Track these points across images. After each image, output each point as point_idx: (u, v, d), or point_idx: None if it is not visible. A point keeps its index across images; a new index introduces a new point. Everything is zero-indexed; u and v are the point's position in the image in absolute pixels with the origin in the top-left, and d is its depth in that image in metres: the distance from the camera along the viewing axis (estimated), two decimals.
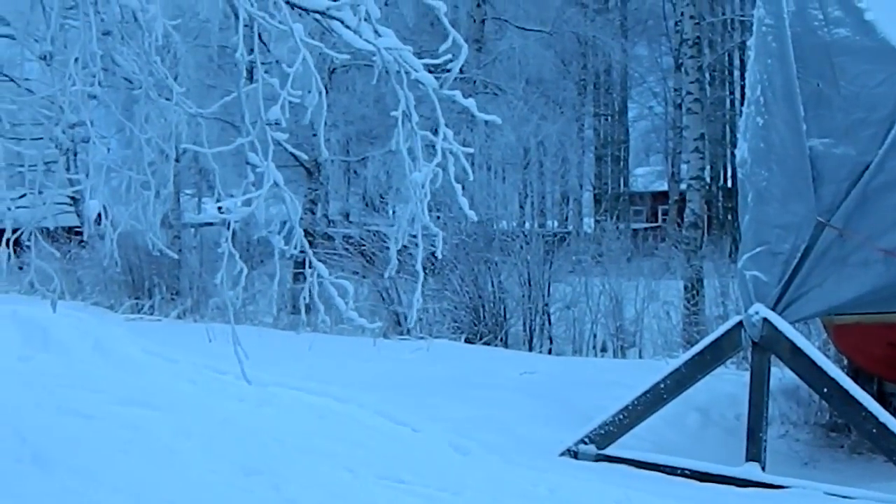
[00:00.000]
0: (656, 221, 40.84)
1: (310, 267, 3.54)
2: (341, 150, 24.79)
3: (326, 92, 3.56)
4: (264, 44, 3.57)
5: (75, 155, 4.90)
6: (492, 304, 18.08)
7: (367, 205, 25.54)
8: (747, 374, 9.45)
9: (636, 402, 9.22)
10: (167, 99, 4.13)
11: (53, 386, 11.05)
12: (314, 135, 18.73)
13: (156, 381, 11.62)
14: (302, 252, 3.55)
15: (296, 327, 17.25)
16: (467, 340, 17.36)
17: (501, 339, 17.79)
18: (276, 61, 3.71)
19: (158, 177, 4.00)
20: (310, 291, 3.56)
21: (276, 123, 3.17)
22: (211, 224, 25.12)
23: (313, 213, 21.85)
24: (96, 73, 3.37)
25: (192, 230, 26.23)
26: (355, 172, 26.28)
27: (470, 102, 3.64)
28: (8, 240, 4.08)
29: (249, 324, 17.37)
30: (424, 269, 4.07)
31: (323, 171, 22.88)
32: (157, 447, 8.34)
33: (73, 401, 10.20)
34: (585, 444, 9.20)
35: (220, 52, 22.23)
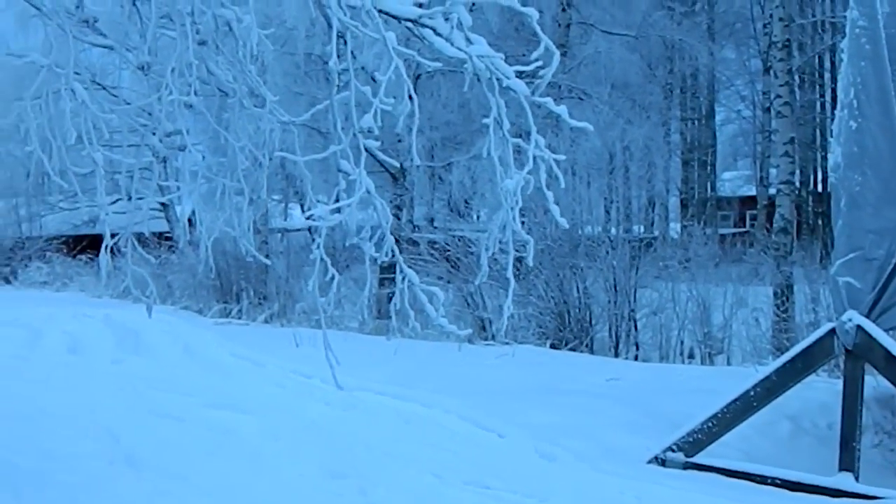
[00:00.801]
0: (744, 226, 40.25)
1: (400, 273, 3.55)
2: (426, 156, 24.87)
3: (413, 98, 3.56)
4: (345, 42, 3.59)
5: (165, 161, 4.99)
6: (577, 310, 17.99)
7: (451, 210, 25.58)
8: (839, 382, 9.27)
9: (725, 410, 9.09)
10: (257, 106, 4.17)
11: (145, 389, 11.27)
12: (399, 140, 18.84)
13: (244, 384, 11.78)
14: (392, 258, 3.57)
15: (381, 332, 17.33)
16: (552, 346, 17.30)
17: (587, 345, 17.69)
18: (362, 68, 3.73)
19: (251, 184, 4.05)
20: (400, 297, 3.57)
21: (369, 131, 3.19)
22: (297, 229, 25.38)
23: (398, 219, 21.93)
24: (192, 82, 3.42)
25: (279, 235, 26.50)
26: (440, 178, 26.34)
27: (562, 109, 3.62)
28: (106, 245, 4.15)
29: (335, 328, 17.49)
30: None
31: (408, 176, 22.98)
32: (246, 450, 8.45)
33: (164, 403, 10.38)
34: (673, 451, 9.09)
35: (307, 59, 22.47)
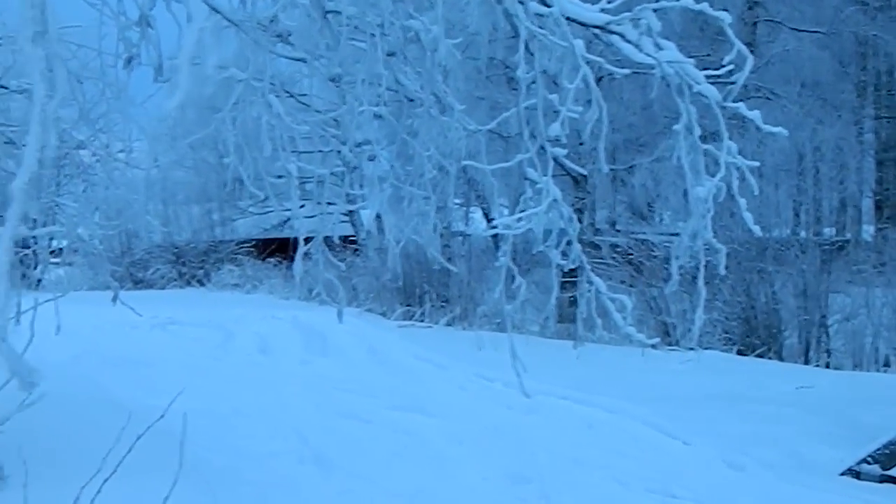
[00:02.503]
0: None
1: (587, 281, 3.52)
2: (608, 159, 24.54)
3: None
4: (531, 54, 3.57)
5: (354, 170, 5.07)
6: (765, 315, 17.50)
7: (633, 213, 25.29)
8: None
9: None
10: (442, 113, 4.20)
11: (331, 390, 11.54)
12: (581, 144, 18.73)
13: (427, 387, 11.93)
14: (579, 265, 3.54)
15: (563, 336, 17.27)
16: (739, 352, 16.88)
17: (775, 352, 17.18)
18: (544, 71, 3.70)
19: (438, 191, 4.08)
20: (587, 305, 3.52)
21: (556, 139, 3.16)
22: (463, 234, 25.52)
23: (580, 222, 21.71)
24: (381, 92, 3.48)
25: (461, 239, 26.68)
26: (622, 181, 26.04)
27: (755, 114, 3.50)
28: (301, 251, 4.24)
29: (517, 332, 17.43)
30: (694, 277, 3.97)
31: (590, 179, 22.81)
32: (430, 452, 8.55)
33: (351, 405, 10.61)
34: (869, 463, 8.74)
35: (488, 63, 22.55)
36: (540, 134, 3.21)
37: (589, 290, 3.51)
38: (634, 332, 3.35)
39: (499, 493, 7.33)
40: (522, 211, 3.43)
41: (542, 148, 3.42)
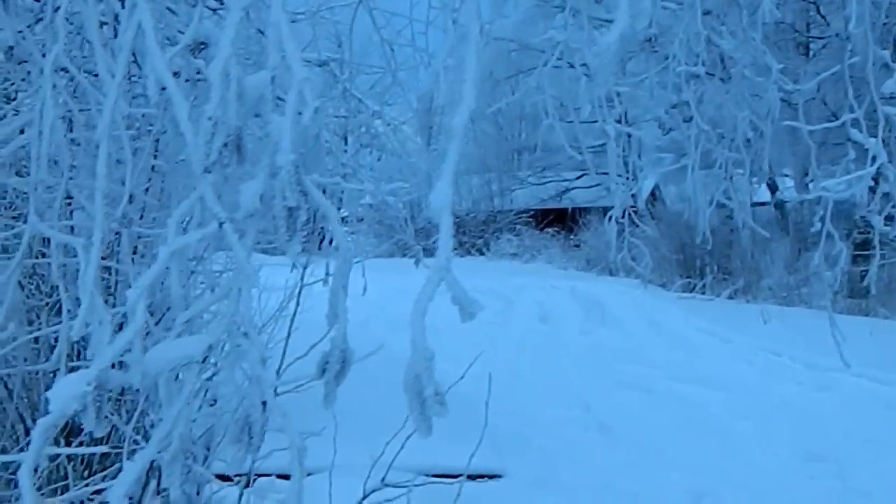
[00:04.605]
0: None
1: None
2: None
3: None
4: (822, 17, 3.39)
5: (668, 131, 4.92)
6: None
7: None
8: None
9: None
10: (728, 78, 4.05)
11: (612, 360, 11.56)
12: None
13: (710, 360, 11.73)
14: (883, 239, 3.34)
15: (853, 311, 16.54)
16: None
17: None
18: (836, 35, 3.50)
19: (751, 154, 3.95)
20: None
21: (891, 97, 2.99)
22: (762, 203, 24.69)
23: (872, 192, 20.65)
24: (700, 52, 3.39)
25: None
26: None
27: None
28: (612, 217, 4.22)
29: (804, 306, 16.88)
30: None
31: (886, 145, 21.63)
32: (715, 426, 8.41)
33: (631, 375, 10.59)
34: None
35: (776, 28, 21.76)
36: (871, 93, 3.05)
37: None
38: None
39: (790, 470, 7.11)
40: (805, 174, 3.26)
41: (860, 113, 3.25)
